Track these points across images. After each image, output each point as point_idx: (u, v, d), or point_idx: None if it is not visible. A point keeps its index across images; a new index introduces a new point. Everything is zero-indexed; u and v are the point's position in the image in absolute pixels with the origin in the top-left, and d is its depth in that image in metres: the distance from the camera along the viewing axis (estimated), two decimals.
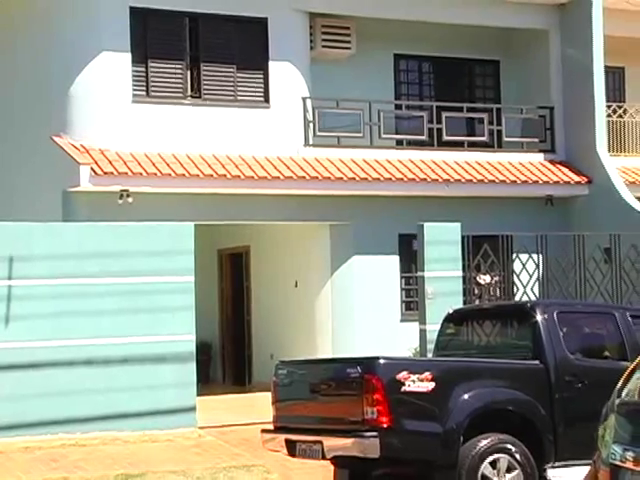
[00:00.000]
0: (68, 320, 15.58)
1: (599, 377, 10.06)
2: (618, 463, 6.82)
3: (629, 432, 6.85)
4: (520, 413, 10.91)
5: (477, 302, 18.02)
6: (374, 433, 10.19)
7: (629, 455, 6.72)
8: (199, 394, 16.54)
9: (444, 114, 22.79)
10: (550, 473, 10.81)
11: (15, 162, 21.69)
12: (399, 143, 22.76)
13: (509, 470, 10.61)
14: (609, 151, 23.24)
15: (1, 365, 15.22)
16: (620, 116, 24.39)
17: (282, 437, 11.34)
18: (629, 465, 6.71)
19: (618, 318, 11.83)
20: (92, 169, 19.03)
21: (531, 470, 10.66)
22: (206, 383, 19.12)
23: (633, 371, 7.20)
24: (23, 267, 15.51)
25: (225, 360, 24.52)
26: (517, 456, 10.64)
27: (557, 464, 10.77)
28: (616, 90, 24.73)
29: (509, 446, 10.65)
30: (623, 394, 7.16)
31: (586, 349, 11.62)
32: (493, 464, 10.57)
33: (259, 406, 13.45)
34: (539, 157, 23.44)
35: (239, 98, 21.12)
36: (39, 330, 15.48)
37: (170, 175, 19.56)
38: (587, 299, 18.35)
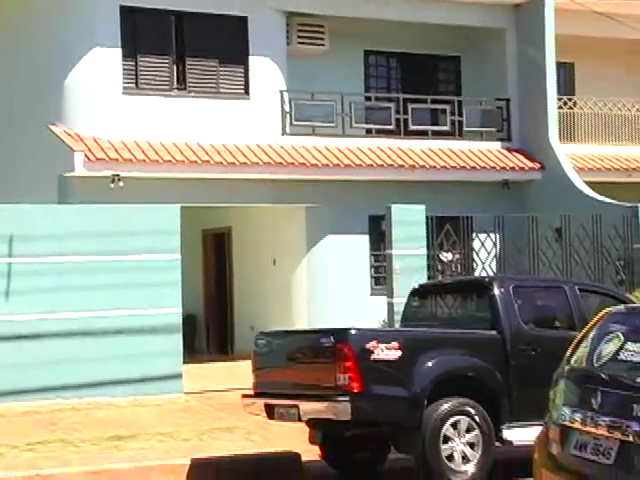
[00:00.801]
0: (65, 294, 15.56)
1: (550, 345, 10.10)
2: (567, 423, 6.85)
3: (577, 396, 6.88)
4: (479, 378, 10.96)
5: (440, 277, 18.05)
6: (346, 398, 10.21)
7: (577, 416, 6.76)
8: (185, 362, 16.53)
9: (410, 105, 22.86)
10: (506, 433, 10.85)
11: (14, 149, 21.61)
12: (369, 132, 22.79)
13: (469, 430, 10.65)
14: (560, 140, 23.33)
15: (3, 336, 15.21)
16: (570, 108, 24.46)
17: (261, 402, 11.34)
18: (577, 425, 6.75)
19: (568, 292, 11.87)
20: (86, 155, 19.05)
21: (489, 430, 10.71)
22: (191, 352, 19.12)
23: (581, 340, 7.23)
24: (23, 246, 15.47)
25: (209, 331, 24.53)
26: (476, 418, 10.69)
27: (512, 425, 10.81)
28: (566, 84, 24.78)
29: (469, 409, 10.69)
30: (572, 361, 7.19)
31: (539, 320, 11.66)
32: (454, 425, 10.61)
33: (240, 373, 13.44)
34: (496, 145, 23.51)
35: (221, 90, 21.10)
36: (38, 304, 15.44)
37: (158, 161, 19.57)
38: (540, 274, 18.43)
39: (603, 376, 6.73)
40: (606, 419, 6.46)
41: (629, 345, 6.68)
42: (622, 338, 6.78)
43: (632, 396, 6.34)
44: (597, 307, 9.57)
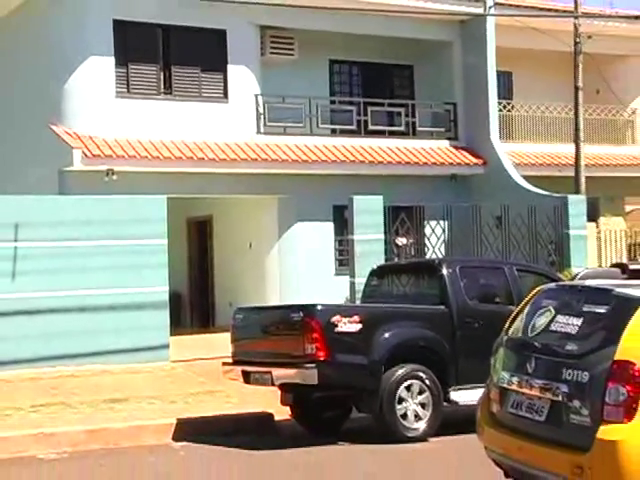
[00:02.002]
0: (64, 275, 15.53)
1: (491, 318, 10.13)
2: (505, 386, 6.91)
3: (514, 362, 6.94)
4: (429, 347, 11.05)
5: (396, 260, 18.11)
6: (313, 365, 10.28)
7: (514, 380, 6.81)
8: (171, 335, 16.54)
9: (369, 108, 22.88)
10: (453, 394, 10.95)
11: (18, 146, 21.54)
12: (333, 132, 22.80)
13: (420, 392, 10.75)
14: (500, 138, 23.41)
15: (9, 311, 15.18)
16: (509, 111, 24.57)
17: (239, 369, 11.39)
18: (514, 387, 6.80)
19: (507, 272, 11.97)
20: (83, 152, 18.98)
21: (438, 392, 10.81)
22: (177, 326, 19.09)
23: (518, 314, 7.28)
24: (27, 232, 15.42)
25: (193, 307, 24.50)
26: (427, 381, 10.78)
27: (458, 387, 10.92)
28: (505, 90, 24.86)
29: (420, 374, 10.78)
30: (510, 332, 7.24)
31: (482, 296, 11.73)
32: (408, 388, 10.70)
33: (220, 344, 13.43)
34: (445, 143, 23.56)
35: (203, 94, 21.05)
36: (40, 283, 15.41)
37: (147, 157, 19.53)
38: (482, 256, 18.53)
39: (537, 344, 6.79)
40: (539, 382, 6.52)
41: (559, 318, 6.74)
42: (553, 312, 6.83)
43: (561, 362, 6.41)
44: (532, 285, 9.64)
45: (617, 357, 6.05)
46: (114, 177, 18.98)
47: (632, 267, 7.14)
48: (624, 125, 26.43)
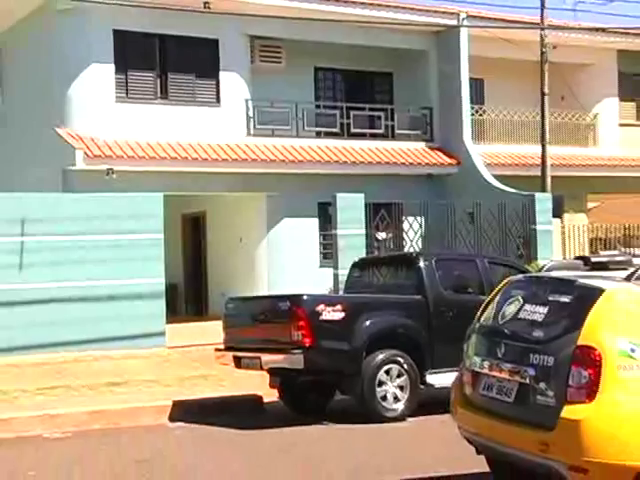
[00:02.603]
0: (67, 267, 15.53)
1: (464, 307, 10.11)
2: (477, 369, 6.93)
3: (485, 347, 6.96)
4: (407, 334, 11.06)
5: (376, 253, 18.13)
6: (299, 350, 10.28)
7: (485, 364, 6.84)
8: (167, 322, 16.54)
9: (351, 112, 22.91)
10: (429, 378, 10.95)
11: (25, 147, 21.47)
12: (318, 134, 22.78)
13: (399, 376, 10.76)
14: (472, 140, 23.47)
15: (16, 301, 15.16)
16: (480, 115, 24.60)
17: (231, 354, 11.37)
18: (485, 371, 6.82)
19: (478, 264, 12.00)
20: (85, 153, 18.97)
21: (415, 376, 10.82)
22: (173, 314, 19.05)
23: (489, 303, 7.30)
24: (32, 227, 15.40)
25: (187, 297, 24.47)
26: (405, 366, 10.79)
27: (434, 371, 10.92)
28: (477, 95, 24.88)
29: (399, 358, 10.79)
30: (481, 319, 7.26)
31: (455, 287, 11.71)
32: (387, 372, 10.71)
33: (213, 332, 13.42)
34: (422, 145, 23.59)
35: (197, 99, 21.03)
36: (45, 275, 15.41)
37: (145, 157, 19.51)
38: (456, 250, 18.57)
39: (506, 331, 6.81)
40: (508, 366, 6.55)
41: (527, 306, 6.76)
42: (521, 301, 6.85)
43: (529, 347, 6.43)
44: (502, 276, 9.64)
45: (579, 343, 6.08)
46: (114, 176, 18.93)
47: (594, 260, 7.17)
48: (586, 128, 26.51)
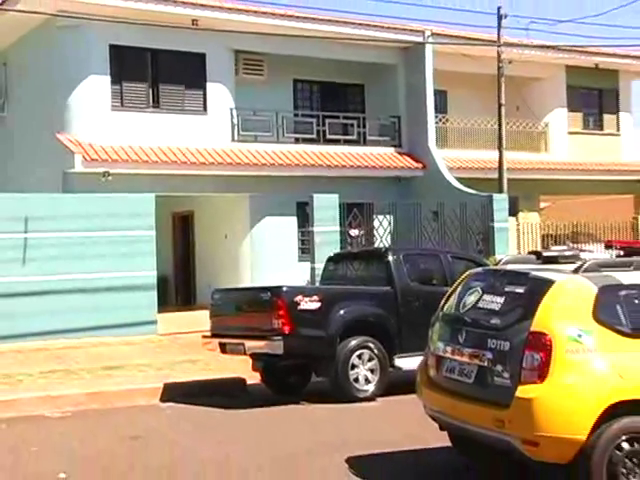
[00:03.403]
0: (67, 261, 15.46)
1: (429, 298, 10.13)
2: (441, 354, 6.97)
3: (448, 333, 6.99)
4: (377, 322, 11.08)
5: (349, 248, 18.15)
6: (279, 337, 10.30)
7: (448, 348, 6.87)
8: (159, 312, 16.49)
9: (327, 120, 22.90)
10: (397, 361, 10.99)
11: (28, 151, 21.34)
12: (297, 140, 22.77)
13: (370, 360, 10.79)
14: (437, 146, 23.53)
15: (20, 292, 15.09)
16: (444, 123, 24.67)
17: (217, 341, 11.38)
18: (447, 355, 6.86)
19: (442, 258, 12.05)
20: (83, 157, 18.88)
21: (384, 359, 10.86)
22: (164, 304, 18.97)
23: (451, 293, 7.34)
24: (35, 224, 15.33)
25: (177, 288, 24.40)
26: (375, 351, 10.82)
27: (401, 355, 10.95)
28: (441, 105, 24.94)
29: (370, 344, 10.82)
30: (444, 308, 7.29)
31: (421, 279, 11.69)
32: (359, 356, 10.74)
33: (201, 320, 13.41)
34: (391, 150, 23.63)
35: (186, 108, 20.96)
36: (46, 268, 15.34)
37: (138, 161, 19.43)
38: (422, 245, 18.62)
39: (467, 319, 6.85)
40: (468, 350, 6.59)
41: (485, 297, 6.80)
42: (480, 292, 6.89)
43: (487, 333, 6.47)
44: (463, 269, 9.68)
45: (532, 329, 6.13)
46: (110, 178, 18.87)
47: (545, 254, 7.21)
48: (539, 136, 26.63)
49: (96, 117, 19.72)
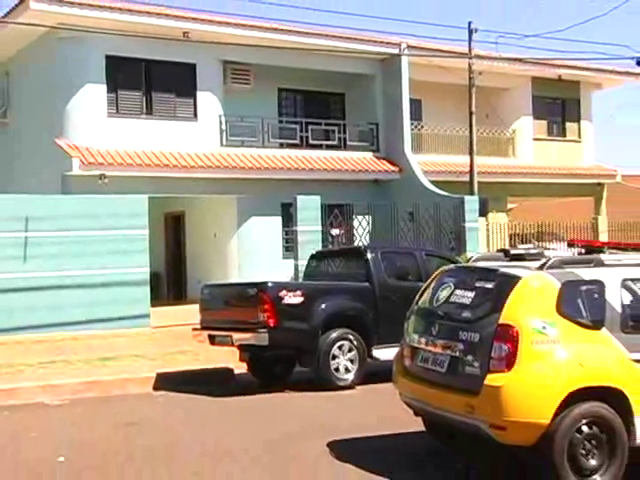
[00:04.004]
0: (65, 259, 15.39)
1: (405, 293, 10.14)
2: (415, 345, 6.99)
3: (422, 326, 7.02)
4: (356, 315, 11.08)
5: (330, 246, 18.18)
6: (264, 330, 10.30)
7: (422, 340, 6.90)
8: (152, 306, 16.43)
9: (310, 127, 22.90)
10: (375, 352, 11.01)
11: (29, 155, 21.24)
12: (281, 145, 22.74)
13: (349, 351, 10.81)
14: (412, 151, 23.59)
15: (21, 287, 15.01)
16: (419, 129, 24.74)
17: (206, 333, 11.36)
18: (422, 346, 6.88)
19: (417, 256, 12.06)
20: (80, 160, 18.81)
21: (363, 350, 10.88)
22: (156, 299, 18.93)
23: (425, 289, 7.37)
24: (35, 224, 15.24)
25: (169, 284, 24.33)
26: (354, 342, 10.84)
27: (379, 346, 10.97)
28: (416, 113, 24.98)
29: (349, 336, 10.84)
30: (419, 303, 7.32)
31: (398, 275, 11.70)
32: (340, 347, 10.75)
33: (191, 314, 13.38)
34: (369, 154, 23.67)
35: (177, 115, 20.91)
36: (46, 265, 15.26)
37: (132, 165, 19.37)
38: (398, 244, 18.67)
39: (440, 312, 6.88)
40: (441, 341, 6.62)
41: (457, 292, 6.83)
42: (452, 287, 6.92)
43: (458, 326, 6.50)
44: (436, 266, 9.71)
45: (501, 322, 6.17)
46: (106, 180, 18.79)
47: (512, 252, 7.25)
48: (506, 142, 26.75)
49: (93, 123, 19.65)
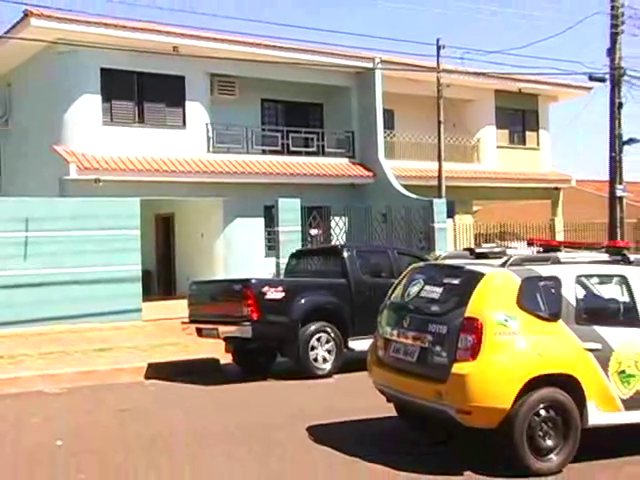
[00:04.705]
0: (63, 257, 15.30)
1: (379, 288, 10.16)
2: (388, 337, 7.03)
3: (394, 319, 7.05)
4: (333, 309, 11.11)
5: (309, 245, 18.19)
6: (248, 323, 10.32)
7: (394, 332, 6.93)
8: (143, 301, 16.35)
9: (290, 134, 22.87)
10: (351, 343, 11.04)
11: (29, 160, 21.05)
12: (264, 151, 22.68)
13: (327, 342, 10.85)
14: (385, 157, 23.63)
15: (22, 284, 14.90)
16: (391, 137, 24.78)
17: (194, 326, 11.37)
18: (394, 337, 6.92)
19: (390, 254, 12.11)
20: (77, 165, 18.68)
21: (339, 342, 10.92)
22: (147, 294, 18.82)
23: (397, 284, 7.40)
24: (35, 224, 15.15)
25: (159, 280, 24.21)
26: (332, 334, 10.88)
27: (354, 338, 10.99)
28: (389, 122, 25.02)
29: (327, 328, 10.87)
30: (392, 297, 7.35)
31: (372, 272, 11.73)
32: (318, 339, 10.79)
33: (180, 308, 13.35)
34: (346, 160, 23.67)
35: (167, 123, 20.81)
36: (45, 263, 15.16)
37: (125, 169, 19.28)
38: (372, 243, 18.70)
39: (410, 306, 6.92)
40: (412, 333, 6.65)
41: (426, 287, 6.87)
42: (422, 283, 6.96)
43: (428, 319, 6.54)
44: (407, 264, 9.75)
45: (466, 315, 6.21)
46: (100, 184, 18.68)
47: (477, 251, 7.30)
48: (472, 149, 26.86)
49: (89, 131, 19.52)
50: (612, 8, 18.36)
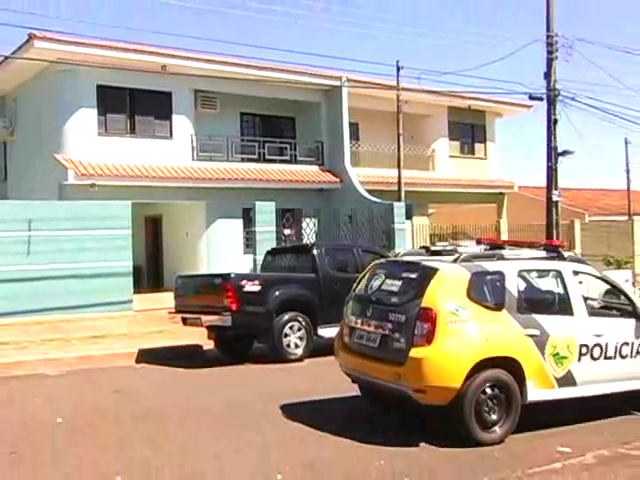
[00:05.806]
0: (63, 254, 15.14)
1: (345, 282, 10.16)
2: (353, 325, 7.07)
3: (358, 309, 7.10)
4: (305, 301, 11.11)
5: (283, 244, 18.18)
6: (228, 313, 10.31)
7: (358, 320, 6.98)
8: (134, 293, 16.22)
9: (267, 144, 22.85)
10: (320, 331, 11.05)
11: (31, 167, 20.83)
12: (243, 159, 22.63)
13: (299, 330, 10.85)
14: (351, 165, 23.68)
15: (25, 278, 14.74)
16: (356, 147, 24.84)
17: (179, 316, 11.31)
18: (358, 325, 6.96)
19: (355, 251, 12.14)
20: (75, 172, 18.52)
21: (310, 330, 10.93)
22: (138, 287, 18.65)
23: (361, 279, 7.45)
24: (37, 225, 14.98)
25: (148, 275, 24.04)
26: (303, 323, 10.89)
27: (323, 326, 11.01)
28: (354, 134, 25.07)
29: (299, 318, 10.88)
30: (356, 290, 7.39)
31: (339, 267, 11.74)
32: (291, 327, 10.80)
33: (167, 300, 13.28)
34: (316, 168, 23.67)
35: (156, 134, 20.68)
36: (46, 259, 15.00)
37: (118, 175, 19.12)
38: (339, 242, 18.74)
39: (373, 298, 6.96)
40: (374, 322, 6.70)
41: (387, 281, 6.92)
42: (383, 277, 7.02)
43: (388, 309, 6.59)
44: (370, 260, 9.79)
45: (422, 305, 6.28)
46: (96, 189, 18.52)
47: (432, 248, 7.38)
48: (427, 158, 27.01)
49: (85, 141, 19.35)
50: (547, 37, 18.59)
